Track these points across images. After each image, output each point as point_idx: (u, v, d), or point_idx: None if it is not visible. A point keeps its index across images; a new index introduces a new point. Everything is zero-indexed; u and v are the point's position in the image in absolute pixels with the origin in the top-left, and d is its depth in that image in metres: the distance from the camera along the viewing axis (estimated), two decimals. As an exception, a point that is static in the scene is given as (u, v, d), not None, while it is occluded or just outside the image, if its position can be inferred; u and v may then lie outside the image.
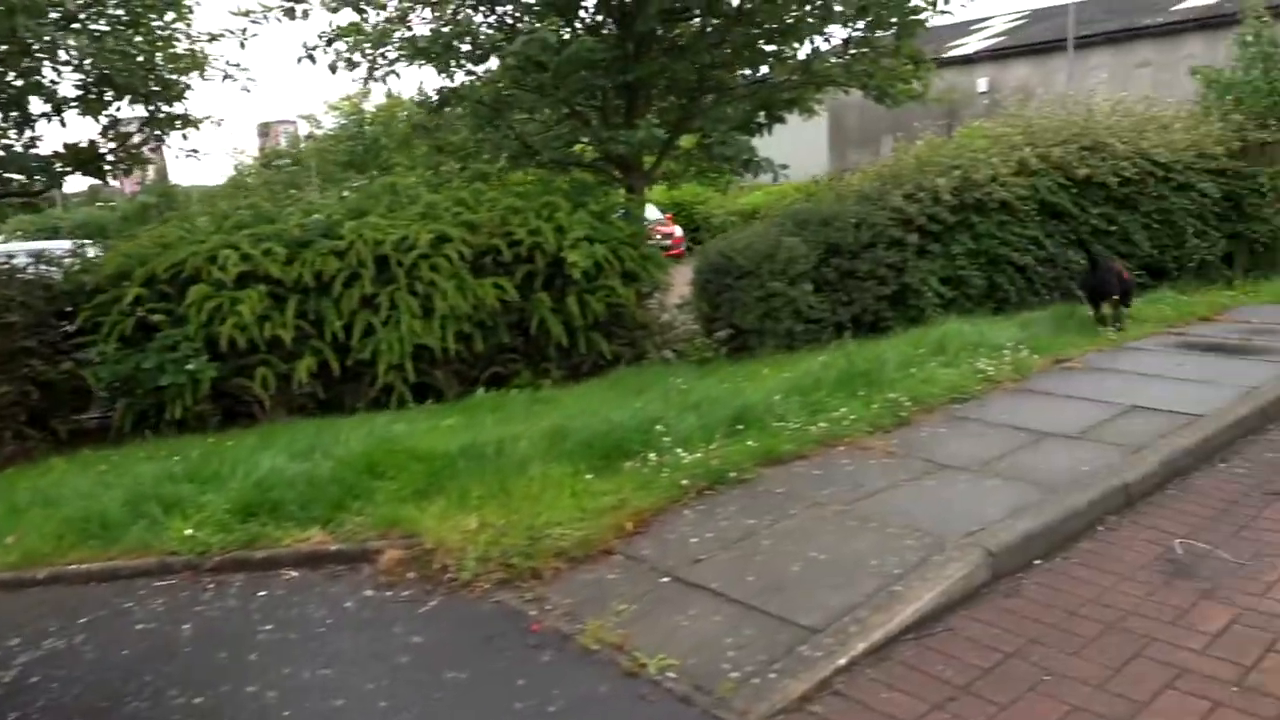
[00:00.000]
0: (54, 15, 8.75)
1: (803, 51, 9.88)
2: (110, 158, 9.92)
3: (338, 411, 7.67)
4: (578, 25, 9.55)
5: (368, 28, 9.28)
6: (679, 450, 4.92)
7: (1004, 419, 5.58)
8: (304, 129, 34.75)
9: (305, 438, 5.99)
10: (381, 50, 9.23)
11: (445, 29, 9.24)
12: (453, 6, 9.50)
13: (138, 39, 9.37)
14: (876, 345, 7.36)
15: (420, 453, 5.17)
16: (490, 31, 9.59)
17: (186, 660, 3.59)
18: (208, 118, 10.27)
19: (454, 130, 10.59)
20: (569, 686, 3.15)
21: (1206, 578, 3.68)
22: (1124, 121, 10.45)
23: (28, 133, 9.34)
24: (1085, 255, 8.78)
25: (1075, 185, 9.64)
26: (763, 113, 10.15)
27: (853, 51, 9.79)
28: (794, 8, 9.13)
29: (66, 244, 9.07)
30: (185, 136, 10.14)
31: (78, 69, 9.20)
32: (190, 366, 7.38)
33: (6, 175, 9.27)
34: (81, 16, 8.98)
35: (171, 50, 9.73)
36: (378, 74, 9.41)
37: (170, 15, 9.54)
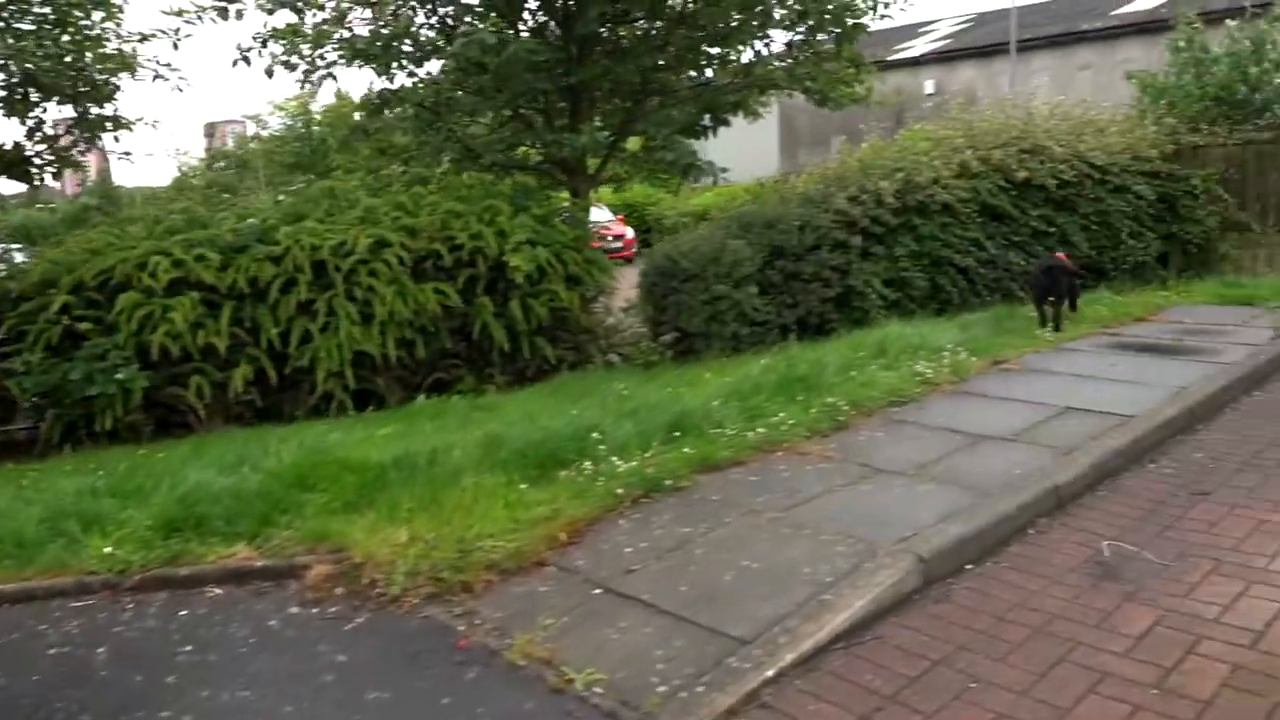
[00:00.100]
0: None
1: (746, 55, 9.91)
2: (38, 160, 9.65)
3: (276, 420, 7.56)
4: (520, 27, 9.47)
5: (306, 29, 9.11)
6: (615, 458, 4.87)
7: (941, 422, 5.63)
8: (251, 129, 34.16)
9: (236, 449, 5.85)
10: (319, 51, 9.07)
11: (385, 29, 9.11)
12: (393, 6, 9.37)
13: (65, 39, 9.12)
14: (818, 348, 7.40)
15: (352, 463, 5.06)
16: (431, 33, 9.48)
17: (100, 684, 3.46)
18: (140, 119, 10.04)
19: (395, 133, 10.45)
20: (494, 704, 3.09)
21: (1131, 580, 3.72)
22: (1062, 125, 10.64)
23: (-53, 135, 9.10)
24: (1028, 257, 8.88)
25: (1015, 188, 9.80)
26: (707, 115, 10.16)
27: (795, 55, 9.83)
28: (735, 12, 9.13)
29: (-4, 249, 8.85)
30: (117, 138, 9.96)
31: (1, 69, 8.93)
32: (120, 376, 7.21)
33: (-74, 178, 9.01)
34: (4, 15, 8.70)
35: (101, 50, 9.50)
36: (315, 76, 9.26)
37: (99, 15, 9.31)
